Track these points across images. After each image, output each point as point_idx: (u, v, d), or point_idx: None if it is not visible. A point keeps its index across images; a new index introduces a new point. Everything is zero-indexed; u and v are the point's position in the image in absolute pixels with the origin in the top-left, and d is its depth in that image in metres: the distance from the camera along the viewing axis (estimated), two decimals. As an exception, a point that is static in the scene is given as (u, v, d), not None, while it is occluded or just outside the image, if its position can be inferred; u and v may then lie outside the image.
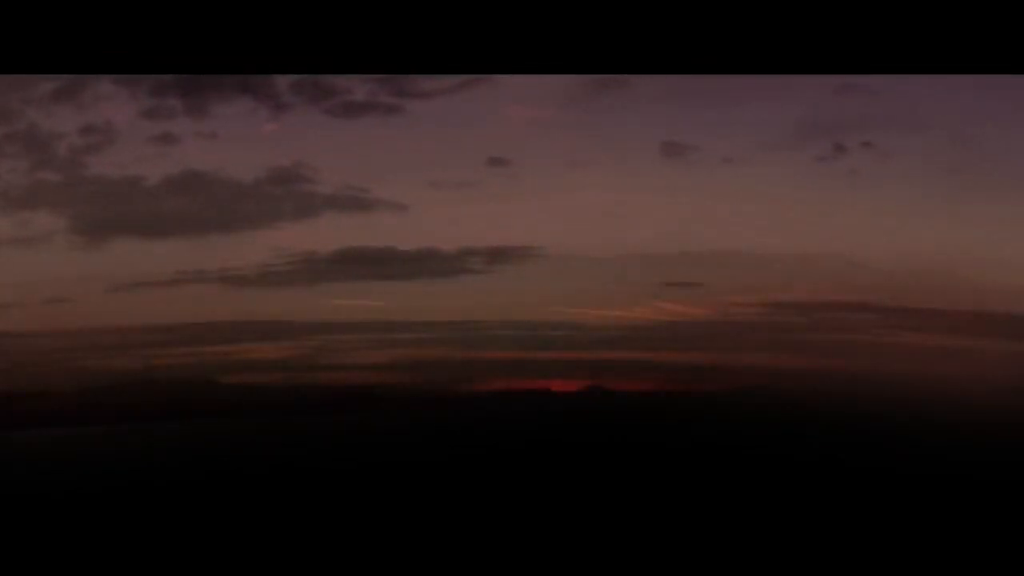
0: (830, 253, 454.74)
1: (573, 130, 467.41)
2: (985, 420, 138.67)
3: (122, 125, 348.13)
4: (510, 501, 42.92)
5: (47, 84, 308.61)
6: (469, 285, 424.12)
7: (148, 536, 34.96)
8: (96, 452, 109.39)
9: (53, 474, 74.62)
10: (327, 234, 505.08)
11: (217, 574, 27.82)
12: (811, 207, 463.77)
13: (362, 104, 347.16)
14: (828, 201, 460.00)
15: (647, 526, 33.78)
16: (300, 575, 27.25)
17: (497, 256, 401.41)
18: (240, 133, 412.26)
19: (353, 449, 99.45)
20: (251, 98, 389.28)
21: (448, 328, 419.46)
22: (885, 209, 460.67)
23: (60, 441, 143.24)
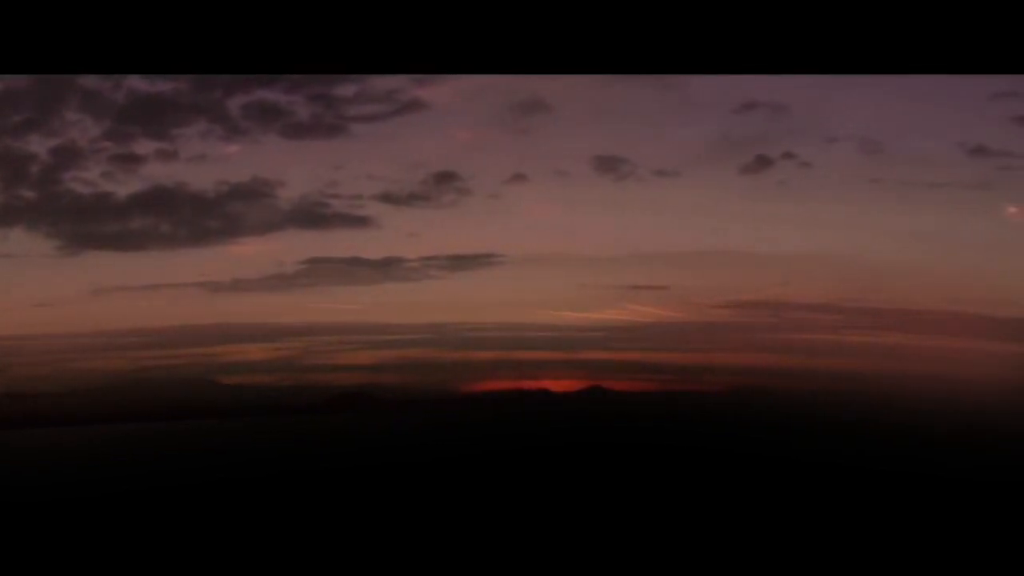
0: (777, 257, 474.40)
1: (509, 149, 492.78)
2: (946, 414, 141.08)
3: (88, 146, 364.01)
4: (508, 499, 43.00)
5: (16, 115, 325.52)
6: (437, 290, 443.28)
7: (140, 536, 34.95)
8: (86, 452, 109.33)
9: (44, 474, 74.57)
10: (293, 246, 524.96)
11: (206, 573, 27.79)
12: (748, 215, 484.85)
13: (308, 126, 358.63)
14: (763, 208, 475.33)
15: (634, 525, 33.84)
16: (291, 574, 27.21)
17: (459, 263, 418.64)
18: (199, 152, 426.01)
19: (350, 449, 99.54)
20: (206, 120, 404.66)
21: (427, 330, 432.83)
22: (814, 216, 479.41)
23: (51, 440, 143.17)
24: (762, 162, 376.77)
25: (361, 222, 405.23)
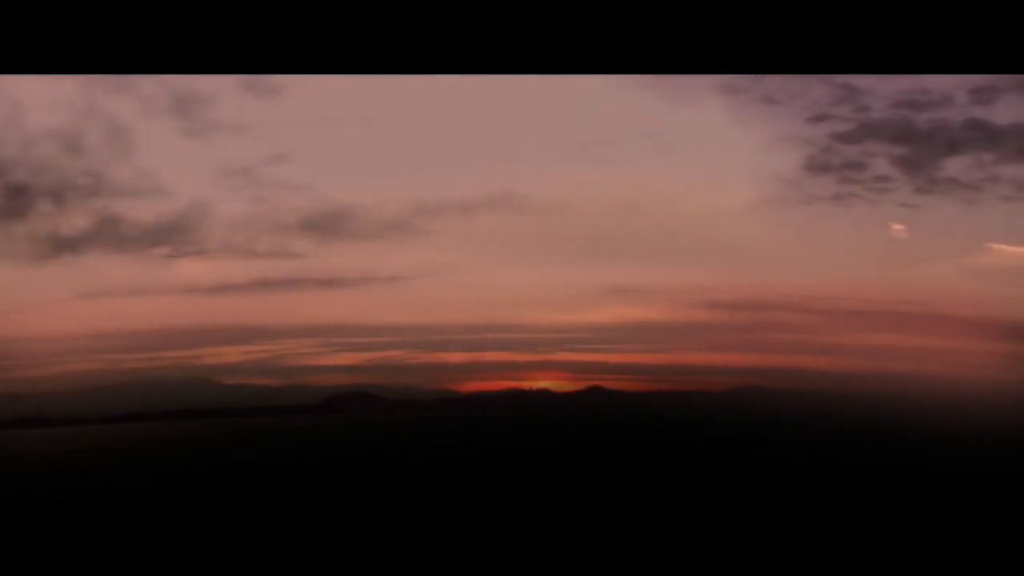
0: (717, 260, 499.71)
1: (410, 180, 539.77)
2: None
3: (35, 180, 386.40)
4: (507, 499, 43.04)
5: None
6: (384, 298, 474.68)
7: (131, 536, 34.94)
8: (76, 452, 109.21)
9: (41, 475, 74.50)
10: (241, 269, 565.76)
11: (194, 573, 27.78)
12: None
13: (233, 163, 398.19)
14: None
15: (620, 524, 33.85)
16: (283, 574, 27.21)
17: (397, 278, 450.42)
18: (134, 186, 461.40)
19: (349, 450, 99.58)
20: (148, 155, 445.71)
21: (410, 332, 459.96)
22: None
23: (40, 441, 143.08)
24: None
25: (289, 251, 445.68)
